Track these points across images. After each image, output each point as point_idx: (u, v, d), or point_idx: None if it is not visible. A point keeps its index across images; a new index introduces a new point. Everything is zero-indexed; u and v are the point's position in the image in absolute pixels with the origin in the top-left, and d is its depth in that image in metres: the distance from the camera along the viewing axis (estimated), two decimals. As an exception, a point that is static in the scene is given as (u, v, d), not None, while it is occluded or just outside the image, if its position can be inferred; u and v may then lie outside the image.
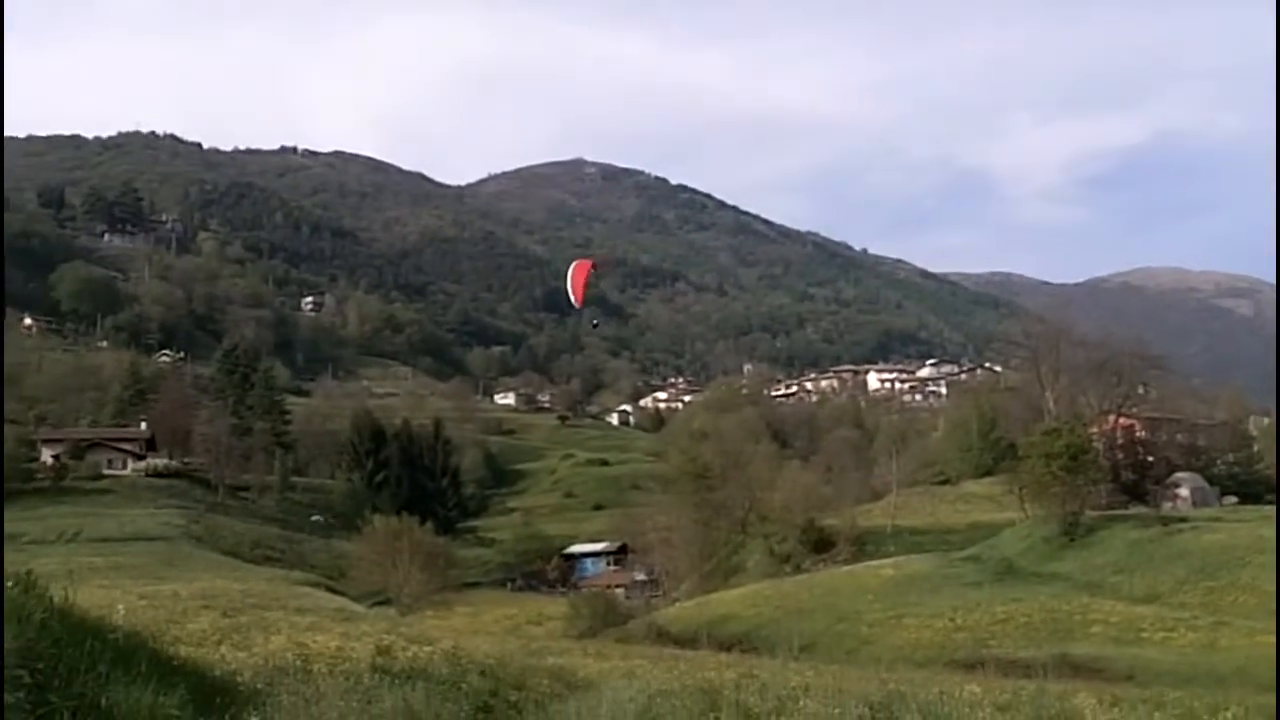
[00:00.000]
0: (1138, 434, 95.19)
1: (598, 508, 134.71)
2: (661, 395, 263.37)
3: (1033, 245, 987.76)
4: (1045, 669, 31.98)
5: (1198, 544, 60.98)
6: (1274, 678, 23.93)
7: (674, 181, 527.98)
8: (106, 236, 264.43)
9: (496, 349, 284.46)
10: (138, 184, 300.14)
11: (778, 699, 13.94)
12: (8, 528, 79.36)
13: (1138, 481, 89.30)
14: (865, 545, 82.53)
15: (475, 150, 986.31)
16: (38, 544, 74.19)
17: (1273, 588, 46.18)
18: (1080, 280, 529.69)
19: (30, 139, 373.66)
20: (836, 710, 12.82)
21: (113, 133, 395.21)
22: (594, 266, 45.53)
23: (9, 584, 10.42)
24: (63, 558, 55.95)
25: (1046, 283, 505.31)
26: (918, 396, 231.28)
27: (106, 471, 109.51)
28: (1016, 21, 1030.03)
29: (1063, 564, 63.22)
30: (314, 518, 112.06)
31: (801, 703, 13.67)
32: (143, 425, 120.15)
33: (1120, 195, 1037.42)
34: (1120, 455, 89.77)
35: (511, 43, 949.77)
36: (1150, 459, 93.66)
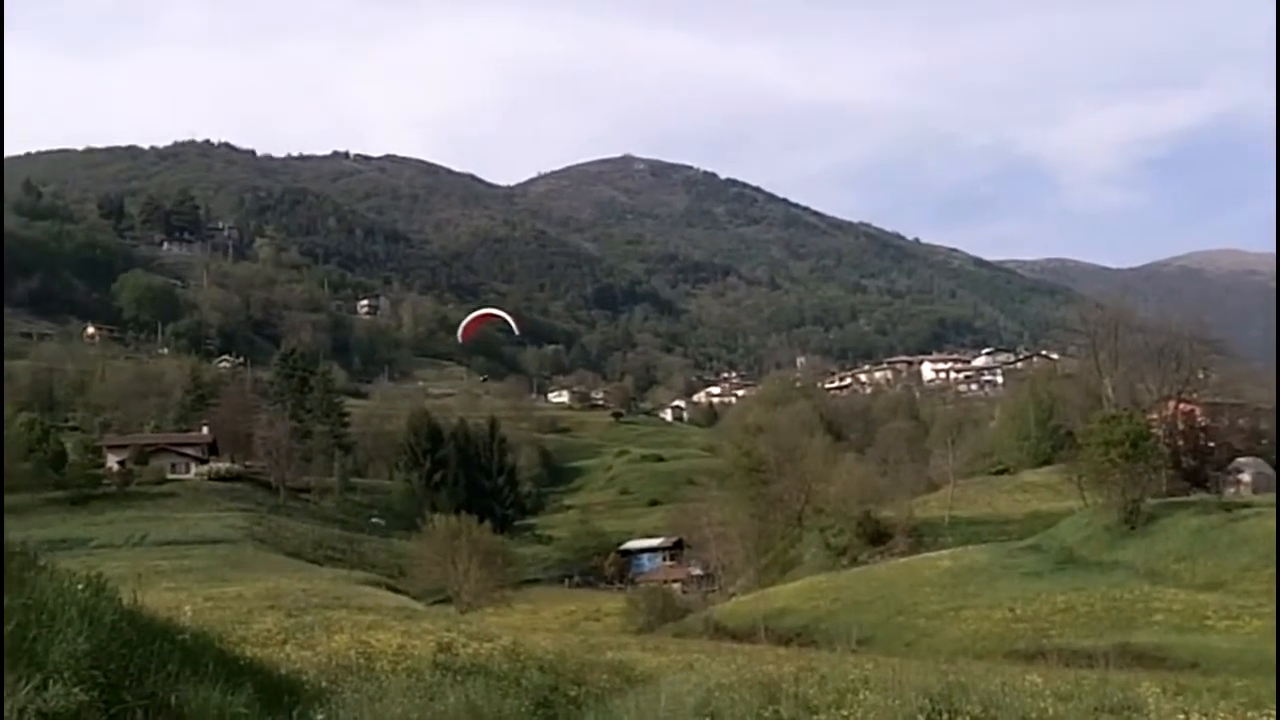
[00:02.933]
0: (1198, 419, 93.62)
1: (653, 503, 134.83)
2: (715, 390, 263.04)
3: (1089, 231, 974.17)
4: (1107, 658, 31.60)
5: (1261, 530, 59.83)
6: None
7: (723, 176, 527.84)
8: (165, 245, 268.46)
9: (549, 347, 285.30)
10: (194, 192, 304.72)
11: (837, 691, 13.95)
12: (79, 532, 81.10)
13: (1199, 468, 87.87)
14: (922, 537, 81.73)
15: (524, 150, 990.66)
16: (106, 548, 75.66)
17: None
18: (1138, 265, 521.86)
19: (89, 151, 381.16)
20: (896, 702, 12.81)
21: (169, 143, 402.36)
22: (491, 319, 48.46)
23: (80, 586, 10.71)
24: (130, 561, 56.93)
25: (1104, 268, 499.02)
26: (973, 386, 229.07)
27: (171, 476, 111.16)
28: (1071, 3, 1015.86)
29: (1124, 552, 62.40)
30: (373, 519, 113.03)
31: (861, 695, 13.67)
32: (205, 430, 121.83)
33: (1178, 178, 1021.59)
34: (1181, 441, 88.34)
35: (559, 42, 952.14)
36: (1211, 445, 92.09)
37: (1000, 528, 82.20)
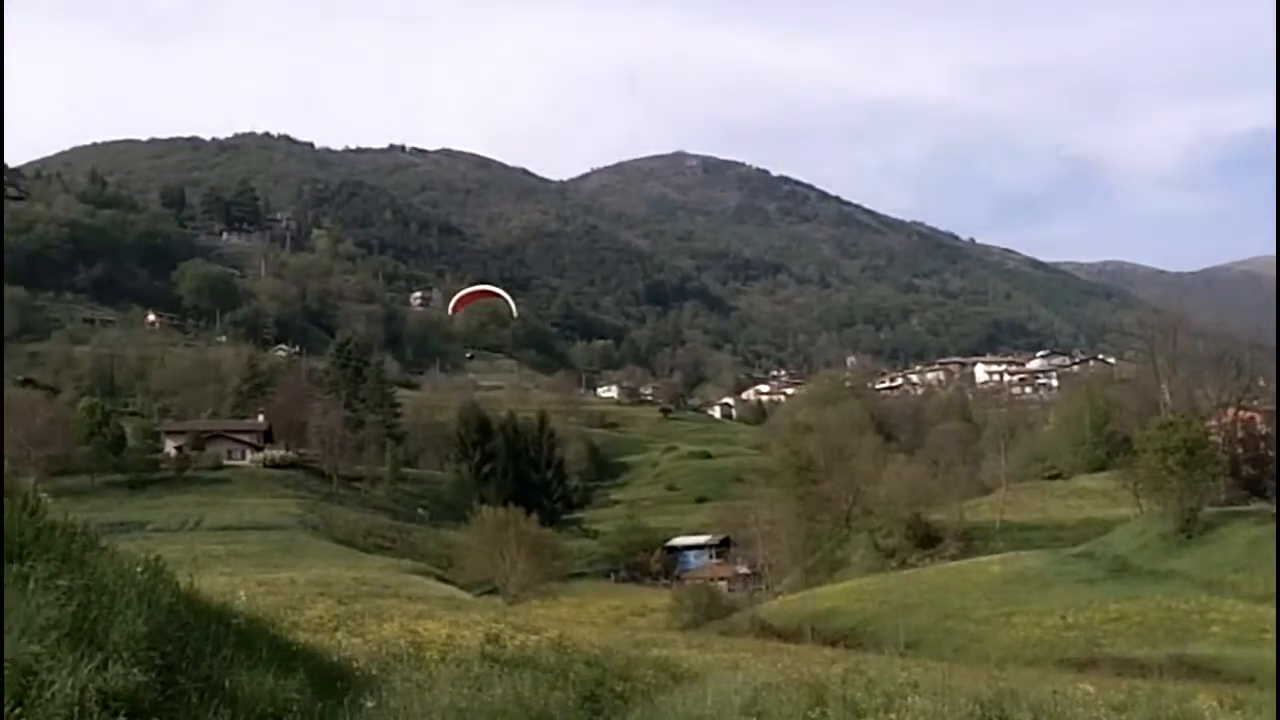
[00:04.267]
0: (1258, 427, 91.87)
1: (700, 500, 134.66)
2: (764, 388, 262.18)
3: (1148, 233, 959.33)
4: (1161, 669, 31.25)
5: (1322, 541, 58.84)
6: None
7: (776, 173, 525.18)
8: (225, 235, 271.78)
9: (599, 342, 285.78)
10: (254, 184, 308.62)
11: (885, 695, 13.85)
12: (136, 515, 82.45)
13: (1258, 476, 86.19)
14: (973, 541, 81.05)
15: (578, 145, 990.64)
16: (163, 531, 77.04)
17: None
18: (1197, 269, 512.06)
19: (152, 142, 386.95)
20: (946, 707, 12.71)
21: (230, 134, 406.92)
22: (486, 296, 48.71)
23: (138, 568, 10.89)
24: (186, 545, 57.88)
25: (1162, 271, 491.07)
26: (1027, 389, 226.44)
27: (226, 462, 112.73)
28: (1132, 3, 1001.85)
29: (1180, 561, 61.44)
30: (419, 510, 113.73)
31: (910, 699, 13.56)
32: (260, 417, 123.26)
33: (1241, 181, 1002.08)
34: (1240, 449, 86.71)
35: (614, 38, 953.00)
36: (1271, 453, 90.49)
37: (1053, 533, 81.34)
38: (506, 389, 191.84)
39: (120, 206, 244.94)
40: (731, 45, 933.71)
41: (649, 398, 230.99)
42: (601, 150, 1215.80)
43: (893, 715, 12.65)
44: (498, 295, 51.16)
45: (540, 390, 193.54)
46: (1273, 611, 50.03)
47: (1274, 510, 70.46)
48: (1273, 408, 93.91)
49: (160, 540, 56.53)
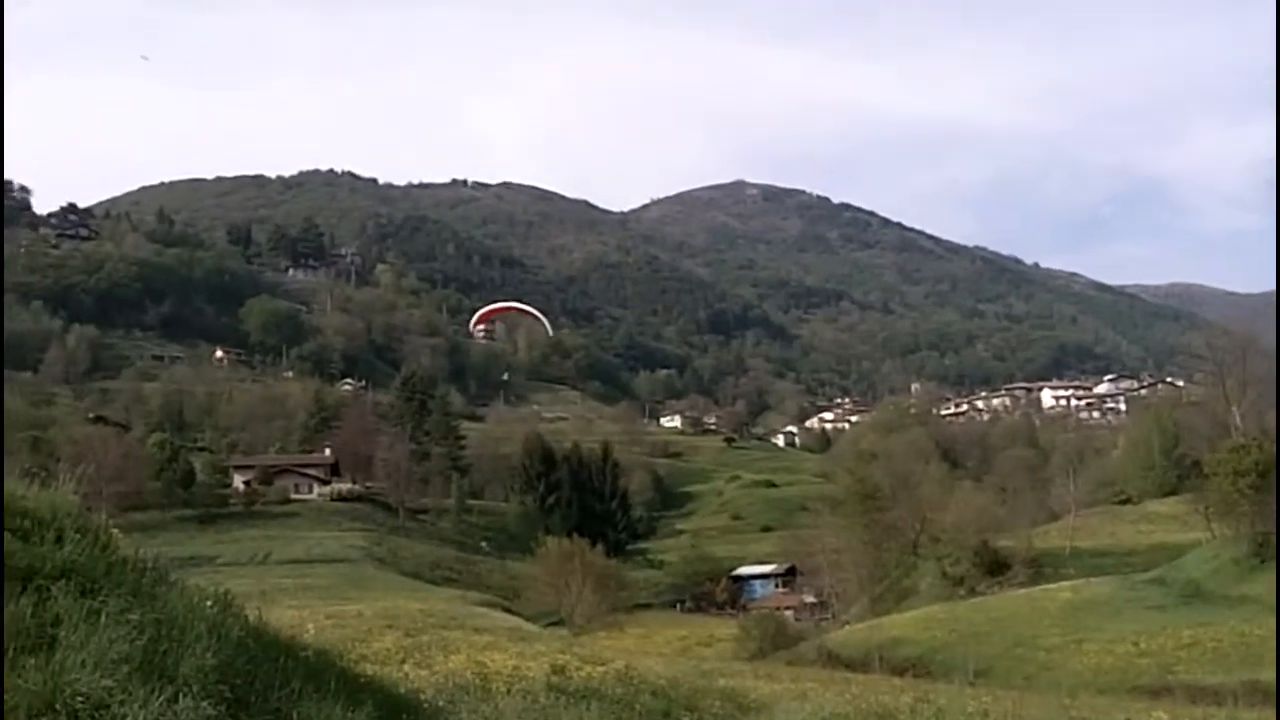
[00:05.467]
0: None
1: (765, 529, 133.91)
2: (828, 416, 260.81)
3: (1216, 254, 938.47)
4: (1236, 696, 30.54)
5: (1402, 565, 57.21)
6: None
7: (836, 200, 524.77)
8: (290, 271, 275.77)
9: (662, 372, 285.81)
10: (318, 220, 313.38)
11: (954, 724, 13.70)
12: (206, 549, 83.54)
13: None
14: (1042, 568, 79.84)
15: (638, 176, 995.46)
16: (232, 565, 78.01)
17: None
18: (1267, 289, 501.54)
19: (219, 180, 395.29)
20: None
21: (294, 171, 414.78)
22: (513, 313, 48.73)
23: (208, 602, 11.02)
24: (255, 578, 58.56)
25: (1231, 293, 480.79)
26: (1095, 414, 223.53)
27: (294, 496, 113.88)
28: (1197, 18, 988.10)
29: (1253, 586, 59.94)
30: (483, 544, 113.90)
31: (979, 728, 13.41)
32: (327, 451, 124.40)
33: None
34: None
35: (672, 69, 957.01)
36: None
37: (1123, 559, 80.00)
38: (570, 420, 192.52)
39: (188, 245, 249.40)
40: (791, 73, 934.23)
41: (712, 427, 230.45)
42: (662, 180, 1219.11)
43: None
44: (525, 312, 51.09)
45: (604, 420, 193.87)
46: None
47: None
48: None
49: (229, 574, 57.29)
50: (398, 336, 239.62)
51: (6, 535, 9.59)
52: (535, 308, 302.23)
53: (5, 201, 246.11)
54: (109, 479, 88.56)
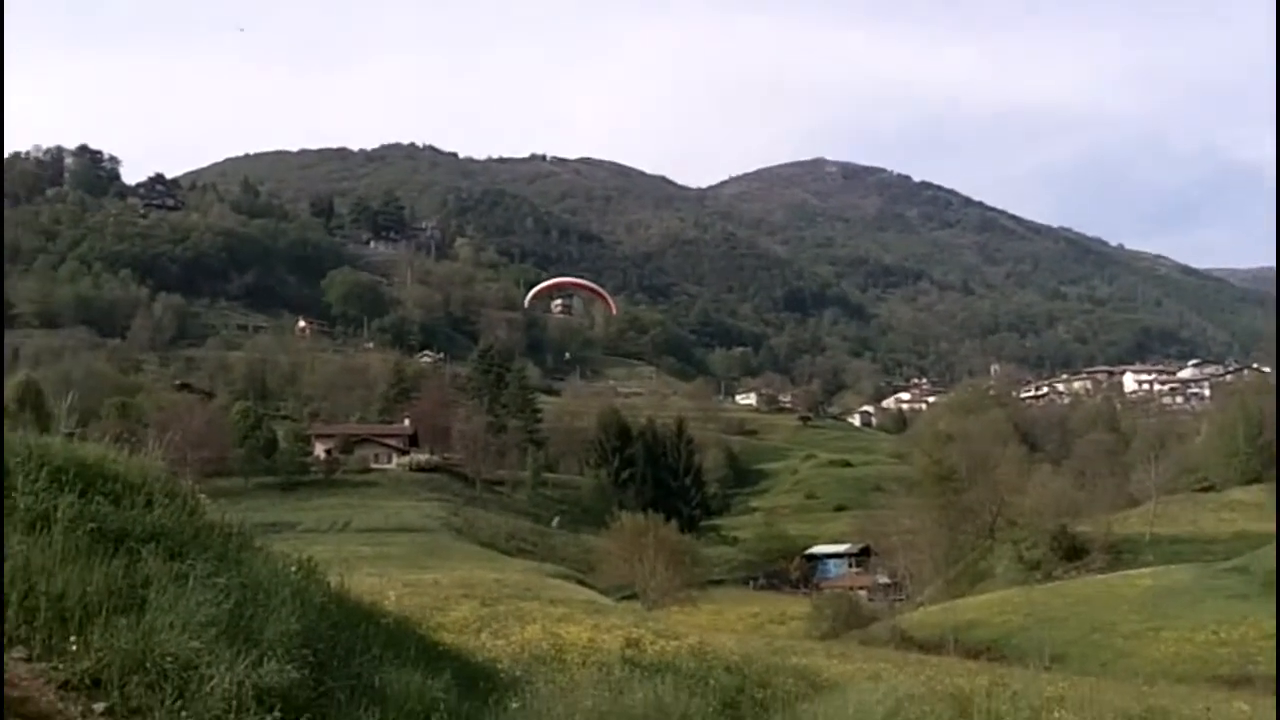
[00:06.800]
0: None
1: (839, 509, 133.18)
2: (904, 396, 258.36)
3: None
4: (1320, 688, 29.76)
5: None
6: None
7: (917, 179, 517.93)
8: (372, 243, 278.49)
9: (738, 349, 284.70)
10: (399, 193, 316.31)
11: (1031, 709, 13.52)
12: (287, 516, 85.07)
13: None
14: (1121, 554, 78.72)
15: (716, 153, 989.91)
16: (312, 532, 79.32)
17: None
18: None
19: (303, 152, 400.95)
20: (1093, 722, 12.36)
21: (376, 145, 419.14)
22: (576, 288, 48.42)
23: (292, 568, 11.21)
24: (334, 546, 59.51)
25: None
26: (1178, 399, 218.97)
27: (373, 465, 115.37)
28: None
29: (1340, 576, 58.56)
30: (555, 519, 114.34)
31: (1056, 714, 13.22)
32: (406, 422, 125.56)
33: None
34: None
35: (752, 46, 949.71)
36: None
37: (1204, 547, 78.56)
38: (645, 395, 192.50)
39: (272, 216, 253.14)
40: (872, 50, 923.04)
41: (787, 405, 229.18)
42: (740, 157, 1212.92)
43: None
44: (588, 288, 50.74)
45: (679, 397, 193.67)
46: None
47: None
48: None
49: (309, 541, 58.14)
50: (476, 309, 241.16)
51: (98, 498, 9.85)
52: (612, 283, 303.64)
53: (96, 172, 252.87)
54: (194, 445, 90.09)
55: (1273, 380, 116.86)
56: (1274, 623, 50.58)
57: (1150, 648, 49.85)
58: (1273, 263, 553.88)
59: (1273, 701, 21.38)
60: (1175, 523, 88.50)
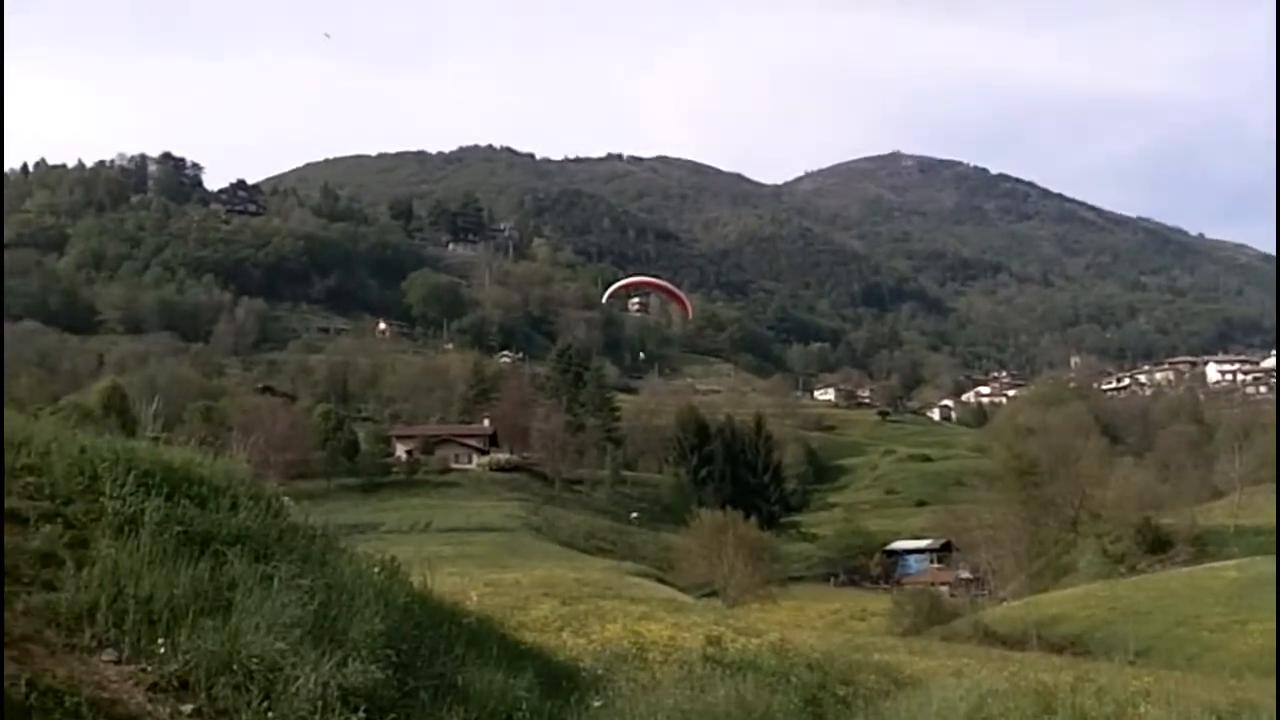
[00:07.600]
0: None
1: (920, 504, 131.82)
2: (984, 390, 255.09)
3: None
4: None
5: None
6: None
7: (994, 171, 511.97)
8: (450, 245, 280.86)
9: (815, 345, 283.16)
10: (478, 195, 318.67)
11: (1116, 704, 13.30)
12: (369, 517, 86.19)
13: None
14: (1206, 546, 77.22)
15: (792, 149, 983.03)
16: (394, 533, 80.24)
17: None
18: None
19: (381, 156, 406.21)
20: (1179, 717, 12.12)
21: (454, 147, 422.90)
22: (651, 288, 47.56)
23: (375, 569, 11.34)
24: (415, 546, 60.09)
25: None
26: (1263, 389, 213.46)
27: (454, 466, 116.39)
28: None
29: None
30: (633, 516, 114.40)
31: (1142, 708, 12.99)
32: (486, 422, 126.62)
33: None
34: None
35: (828, 40, 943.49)
36: None
37: (1291, 538, 76.60)
38: (723, 392, 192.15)
39: (352, 219, 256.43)
40: (948, 43, 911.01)
41: (866, 400, 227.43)
42: (815, 152, 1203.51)
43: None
44: (662, 289, 50.42)
45: (757, 393, 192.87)
46: None
47: None
48: None
49: (392, 541, 58.70)
50: (554, 309, 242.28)
51: (184, 501, 10.04)
52: (689, 281, 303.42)
53: (179, 179, 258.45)
54: (277, 448, 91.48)
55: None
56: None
57: (1237, 641, 48.72)
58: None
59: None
60: (1260, 514, 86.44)
